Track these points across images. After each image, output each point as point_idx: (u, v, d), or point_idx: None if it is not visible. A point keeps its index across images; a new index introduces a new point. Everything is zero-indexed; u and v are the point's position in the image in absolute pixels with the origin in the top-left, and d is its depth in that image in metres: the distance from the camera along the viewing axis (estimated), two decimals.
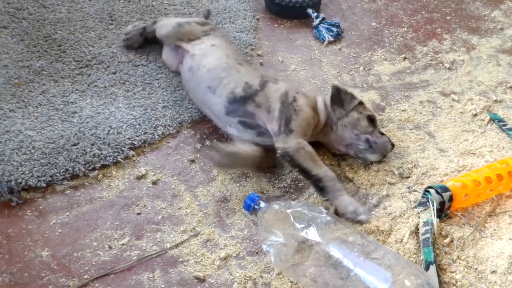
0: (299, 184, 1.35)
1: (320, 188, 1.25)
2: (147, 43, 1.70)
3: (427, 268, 1.13)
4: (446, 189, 1.25)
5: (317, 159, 1.28)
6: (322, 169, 1.26)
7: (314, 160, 1.27)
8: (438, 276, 1.12)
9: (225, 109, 1.36)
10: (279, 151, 1.27)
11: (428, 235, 1.19)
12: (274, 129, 1.31)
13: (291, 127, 1.30)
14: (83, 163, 1.31)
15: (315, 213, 1.09)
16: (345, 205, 1.23)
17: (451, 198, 1.25)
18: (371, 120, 1.40)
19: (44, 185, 1.25)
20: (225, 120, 1.38)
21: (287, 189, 1.34)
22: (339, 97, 1.39)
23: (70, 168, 1.29)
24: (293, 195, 1.32)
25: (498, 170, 1.31)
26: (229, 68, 1.42)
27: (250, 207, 1.13)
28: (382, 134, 1.41)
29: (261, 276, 1.13)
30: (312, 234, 1.06)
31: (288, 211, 1.09)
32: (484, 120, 1.57)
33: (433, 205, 1.24)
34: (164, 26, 1.60)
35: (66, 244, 1.16)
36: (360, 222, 1.20)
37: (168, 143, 1.43)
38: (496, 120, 1.56)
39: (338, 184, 1.26)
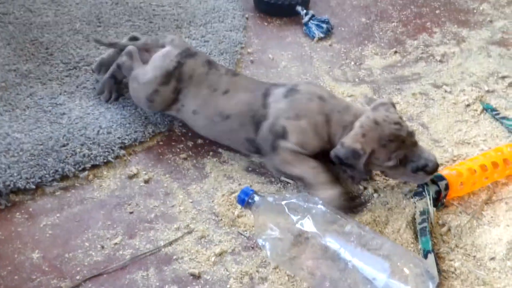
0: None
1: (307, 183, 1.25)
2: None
3: (425, 257, 1.12)
4: (441, 178, 1.24)
5: (302, 161, 1.25)
6: (308, 170, 1.25)
7: (298, 165, 1.25)
8: (437, 264, 1.10)
9: (257, 156, 1.36)
10: None
11: (425, 224, 1.18)
12: (265, 151, 1.31)
13: (281, 145, 1.26)
14: (72, 163, 1.28)
15: (310, 204, 1.07)
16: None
17: (447, 187, 1.24)
18: (394, 166, 1.20)
19: (33, 187, 1.23)
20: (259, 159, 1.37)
21: (284, 184, 1.32)
22: (344, 163, 1.22)
23: (59, 169, 1.27)
24: (291, 189, 1.30)
25: (492, 158, 1.30)
26: (220, 134, 1.35)
27: (244, 201, 1.11)
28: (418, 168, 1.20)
29: (257, 271, 1.11)
30: (307, 225, 1.05)
31: (283, 202, 1.07)
32: (477, 110, 1.56)
33: (429, 194, 1.23)
34: (138, 99, 1.41)
35: (57, 245, 1.13)
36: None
37: (160, 141, 1.41)
38: (489, 109, 1.55)
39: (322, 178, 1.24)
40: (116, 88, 1.49)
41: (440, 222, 1.22)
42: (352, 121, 1.23)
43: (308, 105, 1.27)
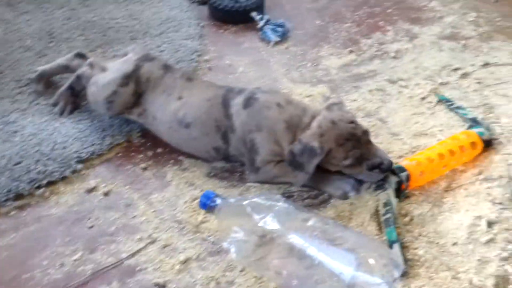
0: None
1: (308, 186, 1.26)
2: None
3: (391, 247, 1.12)
4: (402, 169, 1.26)
5: (289, 171, 1.26)
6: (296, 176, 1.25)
7: (287, 175, 1.27)
8: (402, 254, 1.11)
9: (223, 163, 1.36)
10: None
11: (389, 215, 1.19)
12: (247, 168, 1.32)
13: (257, 165, 1.27)
14: (27, 181, 1.25)
15: (272, 202, 1.06)
16: (332, 192, 1.25)
17: (408, 178, 1.25)
18: (351, 165, 1.22)
19: None
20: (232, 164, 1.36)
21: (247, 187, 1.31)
22: (295, 161, 1.21)
23: (13, 188, 1.23)
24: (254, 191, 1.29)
25: (449, 146, 1.32)
26: (182, 142, 1.34)
27: (206, 205, 1.10)
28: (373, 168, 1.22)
29: (223, 275, 1.09)
30: (270, 223, 1.04)
31: (244, 203, 1.07)
32: (432, 102, 1.59)
33: (390, 186, 1.24)
34: (96, 103, 1.40)
35: (14, 266, 1.09)
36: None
37: (118, 153, 1.38)
38: (443, 100, 1.58)
39: (313, 176, 1.24)
40: (72, 101, 1.46)
41: (403, 212, 1.23)
42: (310, 122, 1.24)
43: (267, 114, 1.27)
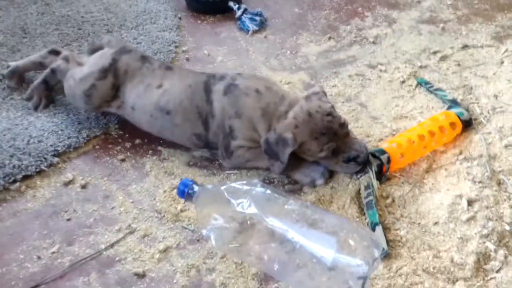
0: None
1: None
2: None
3: (373, 229, 1.12)
4: (383, 152, 1.25)
5: (260, 156, 1.25)
6: (267, 161, 1.24)
7: (258, 159, 1.26)
8: (385, 236, 1.10)
9: (199, 150, 1.35)
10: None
11: (370, 197, 1.18)
12: (220, 153, 1.30)
13: (231, 149, 1.26)
14: (2, 176, 1.22)
15: (249, 186, 1.05)
16: (300, 179, 1.25)
17: (389, 160, 1.25)
18: (326, 157, 1.21)
19: None
20: (213, 151, 1.35)
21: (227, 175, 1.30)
22: (270, 150, 1.21)
23: None
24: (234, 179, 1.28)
25: (429, 127, 1.32)
26: (163, 130, 1.32)
27: (184, 192, 1.08)
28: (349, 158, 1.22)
29: (204, 263, 1.08)
30: (248, 207, 1.03)
31: (222, 188, 1.05)
32: (412, 85, 1.59)
33: (371, 169, 1.23)
34: (74, 97, 1.37)
35: None
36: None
37: (95, 145, 1.36)
38: (423, 83, 1.58)
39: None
40: (46, 95, 1.43)
41: (384, 194, 1.23)
42: (287, 111, 1.23)
43: (245, 100, 1.25)
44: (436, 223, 1.15)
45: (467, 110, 1.42)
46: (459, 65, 1.69)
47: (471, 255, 1.07)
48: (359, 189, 1.23)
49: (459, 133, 1.37)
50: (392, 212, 1.19)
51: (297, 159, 1.24)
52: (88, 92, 1.33)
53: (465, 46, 1.79)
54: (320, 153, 1.20)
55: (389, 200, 1.21)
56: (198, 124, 1.28)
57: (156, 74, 1.33)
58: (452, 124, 1.35)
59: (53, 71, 1.42)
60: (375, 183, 1.22)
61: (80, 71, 1.36)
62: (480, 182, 1.22)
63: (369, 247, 1.02)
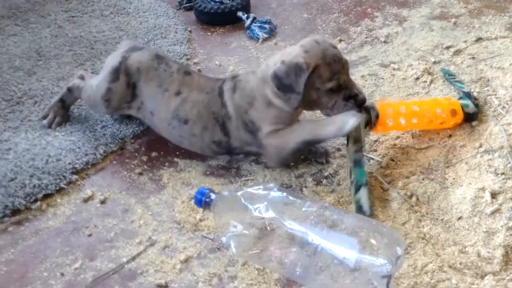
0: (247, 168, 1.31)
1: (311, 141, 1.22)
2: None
3: (357, 189, 1.11)
4: (374, 108, 1.27)
5: (293, 132, 1.21)
6: (304, 132, 1.21)
7: (288, 139, 1.22)
8: (369, 198, 1.11)
9: (220, 156, 1.35)
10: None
11: (361, 154, 1.17)
12: (260, 151, 1.29)
13: (264, 142, 1.24)
14: (23, 196, 1.24)
15: (265, 191, 1.04)
16: (334, 132, 1.17)
17: (377, 117, 1.26)
18: (332, 90, 1.18)
19: None
20: (235, 157, 1.35)
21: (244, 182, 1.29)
22: (283, 84, 1.17)
23: (9, 204, 1.22)
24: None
25: (427, 104, 1.34)
26: (181, 139, 1.32)
27: (201, 201, 1.08)
28: (349, 97, 1.19)
29: (226, 271, 1.07)
30: (266, 212, 1.02)
31: (238, 194, 1.05)
32: (426, 82, 1.58)
33: (361, 122, 1.20)
34: (95, 105, 1.39)
35: (13, 281, 1.08)
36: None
37: (112, 161, 1.37)
38: (446, 74, 1.56)
39: (311, 124, 1.23)
40: (62, 114, 1.45)
41: (408, 193, 1.20)
42: (283, 53, 1.23)
43: (250, 86, 1.25)
44: (460, 218, 1.12)
45: (477, 105, 1.39)
46: (473, 58, 1.66)
47: (498, 248, 1.04)
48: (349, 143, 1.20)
49: (458, 123, 1.36)
50: (418, 210, 1.16)
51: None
52: (106, 97, 1.34)
53: (478, 39, 1.76)
54: (329, 82, 1.16)
55: (414, 199, 1.18)
56: (216, 130, 1.28)
57: (174, 79, 1.32)
58: (453, 111, 1.34)
59: (69, 90, 1.44)
60: (364, 137, 1.21)
61: (95, 79, 1.38)
62: (502, 173, 1.19)
63: (391, 245, 1.00)
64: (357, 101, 1.19)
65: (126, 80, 1.32)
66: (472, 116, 1.36)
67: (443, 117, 1.32)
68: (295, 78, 1.15)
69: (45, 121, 1.44)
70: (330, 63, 1.16)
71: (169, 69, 1.33)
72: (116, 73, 1.32)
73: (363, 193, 1.09)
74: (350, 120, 1.14)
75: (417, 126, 1.33)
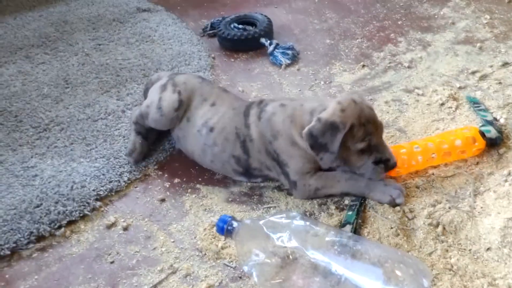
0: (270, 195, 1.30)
1: (353, 195, 1.25)
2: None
3: (343, 225, 1.14)
4: None
5: (330, 182, 1.25)
6: (340, 185, 1.24)
7: (329, 186, 1.25)
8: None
9: (244, 178, 1.36)
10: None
11: (356, 202, 1.21)
12: (286, 185, 1.30)
13: (292, 179, 1.26)
14: (48, 222, 1.25)
15: (288, 220, 1.03)
16: (379, 198, 1.21)
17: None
18: (362, 151, 1.19)
19: (9, 252, 1.19)
20: (252, 181, 1.36)
21: (266, 209, 1.28)
22: (317, 143, 1.16)
23: (34, 230, 1.23)
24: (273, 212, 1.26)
25: (442, 137, 1.33)
26: (211, 147, 1.34)
27: (224, 229, 1.08)
28: (379, 159, 1.20)
29: None
30: (288, 241, 1.00)
31: (261, 222, 1.04)
32: (451, 107, 1.55)
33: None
34: (152, 118, 1.42)
35: None
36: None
37: (135, 187, 1.38)
38: (471, 102, 1.54)
39: (359, 183, 1.23)
40: (146, 146, 1.47)
41: (434, 222, 1.17)
42: (319, 104, 1.23)
43: (276, 120, 1.27)
44: (488, 249, 1.08)
45: (500, 132, 1.36)
46: (500, 83, 1.64)
47: None
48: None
49: (482, 149, 1.33)
50: (444, 240, 1.13)
51: (363, 180, 1.23)
52: (158, 105, 1.40)
53: (505, 64, 1.74)
54: (361, 143, 1.17)
55: (439, 228, 1.15)
56: (236, 145, 1.31)
57: (213, 93, 1.41)
58: (472, 139, 1.31)
59: (136, 123, 1.47)
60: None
61: (148, 99, 1.46)
62: None
63: (417, 276, 0.98)
64: (387, 167, 1.20)
65: (172, 89, 1.41)
66: (495, 141, 1.33)
67: (462, 146, 1.30)
68: (330, 137, 1.15)
69: (131, 158, 1.43)
70: (365, 124, 1.16)
71: (211, 85, 1.45)
72: (164, 86, 1.43)
73: (347, 229, 1.13)
74: (398, 199, 1.19)
75: (437, 161, 1.30)
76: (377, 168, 1.19)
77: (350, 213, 1.18)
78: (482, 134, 1.33)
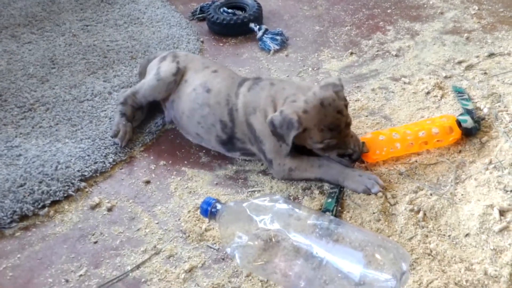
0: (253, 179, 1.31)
1: (327, 182, 1.27)
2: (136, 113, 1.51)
3: (323, 212, 1.15)
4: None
5: (304, 165, 1.27)
6: (313, 170, 1.26)
7: (303, 169, 1.27)
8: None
9: (224, 149, 1.37)
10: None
11: (335, 190, 1.23)
12: (264, 163, 1.33)
13: (268, 157, 1.29)
14: (31, 202, 1.25)
15: (271, 203, 1.04)
16: (354, 188, 1.23)
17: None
18: (322, 149, 1.23)
19: None
20: (231, 154, 1.38)
21: (251, 193, 1.29)
22: (276, 132, 1.21)
23: (17, 210, 1.23)
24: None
25: (418, 126, 1.34)
26: (202, 107, 1.36)
27: (207, 211, 1.08)
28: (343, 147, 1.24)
29: (229, 282, 1.07)
30: (271, 223, 1.01)
31: (244, 205, 1.05)
32: (437, 96, 1.56)
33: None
34: (151, 87, 1.45)
35: (19, 286, 1.09)
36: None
37: (121, 169, 1.38)
38: (456, 92, 1.55)
39: (333, 171, 1.25)
40: (129, 128, 1.46)
41: (415, 208, 1.19)
42: (294, 93, 1.24)
43: (261, 94, 1.30)
44: (467, 235, 1.11)
45: (478, 122, 1.38)
46: (485, 73, 1.65)
47: (505, 266, 1.03)
48: None
49: (457, 138, 1.35)
50: (424, 226, 1.15)
51: (340, 167, 1.25)
52: (156, 72, 1.44)
53: (491, 54, 1.75)
54: (318, 144, 1.22)
55: (421, 214, 1.17)
56: (224, 111, 1.33)
57: (216, 64, 1.48)
58: (449, 128, 1.33)
59: (124, 102, 1.47)
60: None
61: (147, 77, 1.49)
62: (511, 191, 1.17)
63: (396, 260, 0.99)
64: (351, 160, 1.25)
65: (172, 59, 1.46)
66: (471, 131, 1.35)
67: (439, 135, 1.32)
68: (286, 131, 1.19)
69: (117, 139, 1.41)
70: (324, 129, 1.20)
71: (212, 60, 1.51)
72: (163, 58, 1.48)
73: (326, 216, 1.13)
74: (373, 189, 1.21)
75: (414, 148, 1.32)
76: (343, 160, 1.24)
77: (329, 200, 1.20)
78: (459, 123, 1.34)
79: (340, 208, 1.19)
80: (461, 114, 1.40)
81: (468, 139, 1.36)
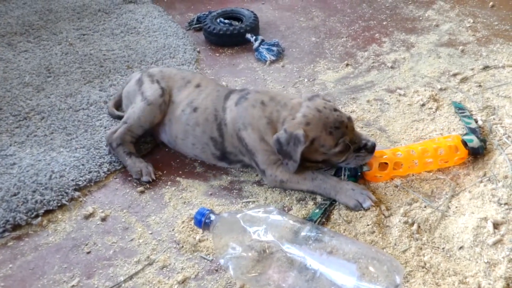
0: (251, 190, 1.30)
1: (320, 195, 1.27)
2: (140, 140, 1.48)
3: (308, 220, 1.15)
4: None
5: (296, 178, 1.27)
6: (305, 183, 1.26)
7: (295, 181, 1.27)
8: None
9: (225, 163, 1.38)
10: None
11: (326, 202, 1.23)
12: (258, 171, 1.34)
13: (261, 167, 1.30)
14: (24, 211, 1.24)
15: (265, 214, 1.04)
16: (345, 202, 1.22)
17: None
18: (341, 151, 1.24)
19: None
20: (233, 167, 1.39)
21: (245, 204, 1.29)
22: (283, 150, 1.22)
23: (10, 219, 1.22)
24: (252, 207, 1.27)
25: (425, 145, 1.32)
26: (193, 128, 1.36)
27: (201, 221, 1.08)
28: (356, 150, 1.25)
29: None
30: (264, 235, 1.01)
31: (238, 216, 1.04)
32: (432, 108, 1.57)
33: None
34: (141, 111, 1.41)
35: None
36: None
37: (115, 178, 1.38)
38: (457, 108, 1.54)
39: (325, 185, 1.25)
40: (140, 159, 1.40)
41: (410, 221, 1.19)
42: (290, 114, 1.26)
43: (251, 112, 1.30)
44: (461, 248, 1.10)
45: (484, 140, 1.37)
46: (480, 86, 1.66)
47: (499, 280, 1.02)
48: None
49: (464, 158, 1.33)
50: (418, 238, 1.14)
51: (333, 182, 1.25)
52: (142, 98, 1.41)
53: (486, 67, 1.76)
54: (335, 147, 1.22)
55: (415, 226, 1.17)
56: (213, 127, 1.34)
57: (196, 76, 1.46)
58: (454, 148, 1.31)
59: (121, 144, 1.40)
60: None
61: (130, 109, 1.45)
62: (506, 204, 1.18)
63: (390, 273, 0.99)
64: (368, 149, 1.25)
65: (150, 80, 1.44)
66: (477, 150, 1.33)
67: (444, 156, 1.31)
68: (293, 147, 1.20)
69: (145, 178, 1.35)
70: (332, 131, 1.21)
71: (192, 71, 1.50)
72: (140, 81, 1.46)
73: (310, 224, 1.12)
74: (365, 204, 1.21)
75: (418, 169, 1.31)
76: (360, 155, 1.25)
77: (316, 211, 1.20)
78: (465, 143, 1.33)
79: (324, 220, 1.19)
80: (465, 134, 1.39)
81: (468, 159, 1.35)
